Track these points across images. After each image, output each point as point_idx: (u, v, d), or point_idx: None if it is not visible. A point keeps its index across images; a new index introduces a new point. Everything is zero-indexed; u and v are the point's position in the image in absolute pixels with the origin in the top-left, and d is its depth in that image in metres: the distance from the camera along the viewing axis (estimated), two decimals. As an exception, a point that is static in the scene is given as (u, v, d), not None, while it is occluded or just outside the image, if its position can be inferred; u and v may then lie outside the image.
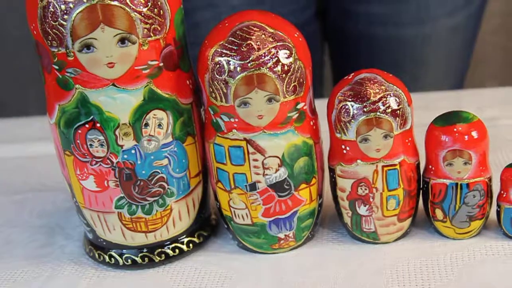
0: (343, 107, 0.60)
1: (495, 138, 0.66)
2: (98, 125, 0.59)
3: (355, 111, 0.59)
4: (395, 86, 0.60)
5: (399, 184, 0.62)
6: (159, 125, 0.61)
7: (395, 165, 0.61)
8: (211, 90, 0.59)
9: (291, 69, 0.58)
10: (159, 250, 0.65)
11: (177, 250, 0.66)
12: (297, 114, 0.60)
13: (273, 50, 0.58)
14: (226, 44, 0.58)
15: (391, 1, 1.02)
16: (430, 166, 0.62)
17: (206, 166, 0.65)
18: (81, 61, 0.57)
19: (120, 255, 0.66)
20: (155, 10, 0.57)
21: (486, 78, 1.65)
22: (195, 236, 0.67)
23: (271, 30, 0.58)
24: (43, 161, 0.87)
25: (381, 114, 0.59)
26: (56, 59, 0.57)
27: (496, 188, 0.63)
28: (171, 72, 0.60)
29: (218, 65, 0.58)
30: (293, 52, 0.59)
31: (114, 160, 0.61)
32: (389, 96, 0.59)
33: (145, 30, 0.57)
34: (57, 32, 0.56)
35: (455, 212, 0.63)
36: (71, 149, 0.61)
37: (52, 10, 0.56)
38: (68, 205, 0.76)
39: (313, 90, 0.63)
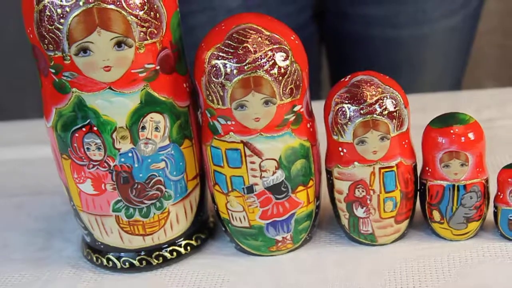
0: (340, 109, 0.60)
1: (492, 139, 0.67)
2: (95, 128, 0.59)
3: (352, 113, 0.59)
4: (391, 88, 0.60)
5: (396, 186, 0.62)
6: (156, 128, 0.61)
7: (392, 167, 0.61)
8: (208, 93, 0.59)
9: (288, 72, 0.58)
10: (157, 253, 0.65)
11: (174, 253, 0.66)
12: (294, 117, 0.60)
13: (270, 53, 0.58)
14: (223, 47, 0.58)
15: (388, 3, 1.02)
16: (427, 168, 0.62)
17: (203, 169, 0.65)
18: (77, 64, 0.57)
19: (118, 258, 0.66)
20: (152, 13, 0.58)
21: (484, 79, 1.65)
22: (193, 239, 0.67)
23: (268, 33, 0.58)
24: (41, 164, 0.87)
25: (378, 116, 0.59)
26: (53, 62, 0.57)
27: (493, 189, 0.63)
28: (168, 75, 0.60)
29: (214, 68, 0.58)
30: (290, 55, 0.59)
31: (111, 164, 0.61)
32: (385, 98, 0.60)
33: (142, 33, 0.57)
34: (53, 35, 0.56)
35: (452, 214, 0.63)
36: (68, 153, 0.61)
37: (49, 14, 0.56)
38: (65, 209, 0.76)
39: (310, 92, 0.63)
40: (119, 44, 0.57)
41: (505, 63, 1.68)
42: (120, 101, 0.59)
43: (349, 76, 0.62)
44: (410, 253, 0.63)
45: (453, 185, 0.62)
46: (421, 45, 1.06)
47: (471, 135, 0.60)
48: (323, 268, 0.63)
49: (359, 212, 0.63)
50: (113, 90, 0.58)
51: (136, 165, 0.61)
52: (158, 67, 0.59)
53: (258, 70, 0.57)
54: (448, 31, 1.05)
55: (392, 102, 0.60)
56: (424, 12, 1.02)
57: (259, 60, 0.58)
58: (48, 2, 0.56)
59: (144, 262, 0.65)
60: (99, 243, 0.66)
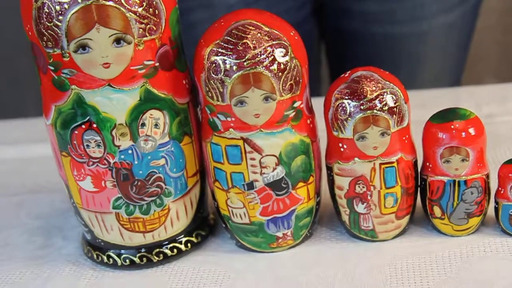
0: (340, 105, 0.60)
1: (492, 134, 0.66)
2: (95, 125, 0.59)
3: (352, 109, 0.59)
4: (391, 84, 0.60)
5: (396, 181, 0.62)
6: (156, 125, 0.61)
7: (392, 162, 0.61)
8: (208, 89, 0.59)
9: (287, 68, 0.58)
10: (157, 250, 0.65)
11: (175, 250, 0.66)
12: (294, 113, 0.60)
13: (269, 49, 0.58)
14: (222, 43, 0.58)
15: (386, -1, 1.02)
16: (428, 164, 0.62)
17: (203, 165, 0.65)
18: (76, 61, 0.57)
19: (118, 256, 0.66)
20: (150, 10, 0.57)
21: (484, 75, 1.65)
22: (193, 235, 0.67)
23: (267, 29, 0.58)
24: (40, 162, 0.87)
25: (378, 112, 0.59)
26: (52, 60, 0.57)
27: (494, 184, 0.63)
28: (167, 72, 0.60)
29: (214, 64, 0.58)
30: (289, 51, 0.58)
31: (111, 161, 0.60)
32: (385, 93, 0.59)
33: (141, 30, 0.57)
34: (52, 33, 0.56)
35: (453, 209, 0.62)
36: (67, 150, 0.61)
37: (47, 11, 0.55)
38: (65, 206, 0.76)
39: (310, 88, 0.63)
40: (118, 41, 0.56)
41: (505, 59, 1.68)
42: (120, 98, 0.59)
43: (349, 71, 0.62)
44: (411, 249, 0.63)
45: (454, 181, 0.61)
46: (420, 41, 1.05)
47: (471, 130, 0.60)
48: (323, 265, 0.63)
49: (360, 208, 0.63)
50: (112, 87, 0.58)
51: (136, 162, 0.61)
52: (157, 64, 0.59)
53: (257, 66, 0.57)
54: (446, 28, 1.05)
55: (392, 97, 0.59)
56: (422, 8, 1.02)
57: (259, 56, 0.57)
58: (47, -1, 0.55)
59: (144, 259, 0.65)
60: (100, 240, 0.66)
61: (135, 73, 0.58)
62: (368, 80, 0.60)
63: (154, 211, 0.63)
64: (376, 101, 0.59)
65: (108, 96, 0.58)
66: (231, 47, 0.58)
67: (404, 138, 0.61)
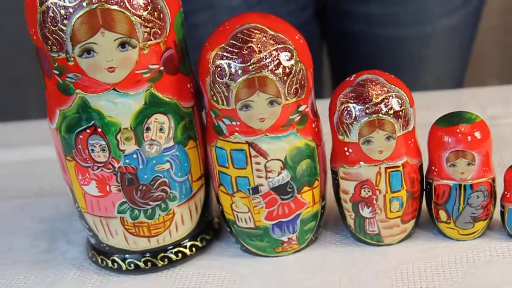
0: (345, 109, 0.60)
1: (498, 138, 0.66)
2: (99, 130, 0.59)
3: (357, 113, 0.59)
4: (397, 87, 0.60)
5: (402, 185, 0.62)
6: (161, 129, 0.60)
7: (398, 166, 0.61)
8: (213, 93, 0.59)
9: (293, 72, 0.58)
10: (162, 254, 0.65)
11: (180, 254, 0.66)
12: (299, 117, 0.60)
13: (274, 53, 0.58)
14: (227, 47, 0.58)
15: (389, 2, 1.02)
16: (433, 167, 0.62)
17: (208, 169, 0.65)
18: (81, 66, 0.57)
19: (123, 260, 0.65)
20: (155, 13, 0.57)
21: (486, 76, 1.64)
22: (198, 240, 0.67)
23: (272, 33, 0.58)
24: (44, 165, 0.87)
25: (384, 116, 0.59)
26: (57, 64, 0.57)
27: (500, 188, 0.63)
28: (172, 75, 0.60)
29: (219, 68, 0.58)
30: (294, 54, 0.58)
31: (116, 165, 0.60)
32: (391, 97, 0.59)
33: (145, 34, 0.57)
34: (57, 37, 0.56)
35: (459, 213, 0.62)
36: (72, 155, 0.61)
37: (52, 15, 0.55)
38: (70, 210, 0.76)
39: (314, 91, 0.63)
40: (123, 45, 0.56)
41: (507, 60, 1.68)
42: (125, 102, 0.58)
43: (354, 75, 0.62)
44: (416, 253, 0.63)
45: (460, 185, 0.61)
46: (423, 44, 1.05)
47: (477, 134, 0.60)
48: (329, 269, 0.63)
49: (365, 212, 0.63)
50: (117, 91, 0.58)
51: (140, 167, 0.61)
52: (162, 68, 0.59)
53: (263, 70, 0.57)
54: (449, 29, 1.05)
55: (398, 101, 0.59)
56: (425, 10, 1.02)
57: (264, 60, 0.57)
58: (51, 3, 0.55)
59: (149, 264, 0.65)
60: (104, 244, 0.65)
61: (140, 77, 0.58)
62: (374, 83, 0.60)
63: (159, 215, 0.63)
64: (382, 105, 0.59)
65: (113, 100, 0.58)
66: (236, 51, 0.57)
67: (409, 142, 0.61)
